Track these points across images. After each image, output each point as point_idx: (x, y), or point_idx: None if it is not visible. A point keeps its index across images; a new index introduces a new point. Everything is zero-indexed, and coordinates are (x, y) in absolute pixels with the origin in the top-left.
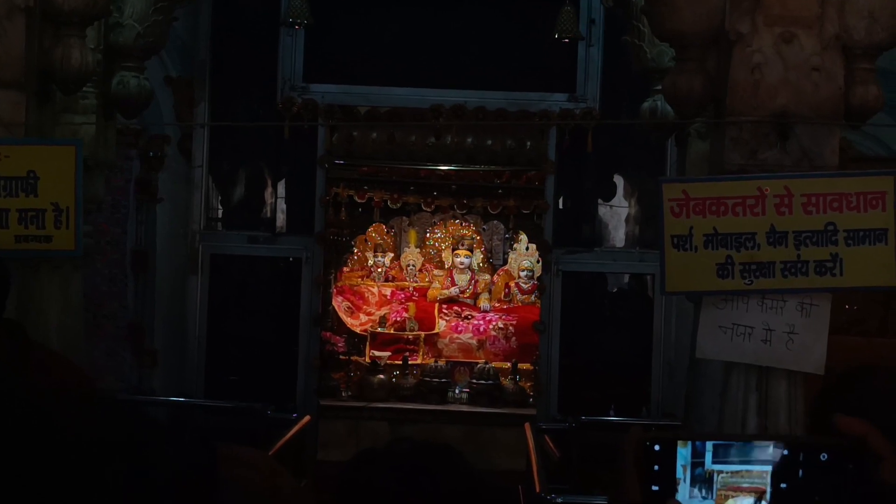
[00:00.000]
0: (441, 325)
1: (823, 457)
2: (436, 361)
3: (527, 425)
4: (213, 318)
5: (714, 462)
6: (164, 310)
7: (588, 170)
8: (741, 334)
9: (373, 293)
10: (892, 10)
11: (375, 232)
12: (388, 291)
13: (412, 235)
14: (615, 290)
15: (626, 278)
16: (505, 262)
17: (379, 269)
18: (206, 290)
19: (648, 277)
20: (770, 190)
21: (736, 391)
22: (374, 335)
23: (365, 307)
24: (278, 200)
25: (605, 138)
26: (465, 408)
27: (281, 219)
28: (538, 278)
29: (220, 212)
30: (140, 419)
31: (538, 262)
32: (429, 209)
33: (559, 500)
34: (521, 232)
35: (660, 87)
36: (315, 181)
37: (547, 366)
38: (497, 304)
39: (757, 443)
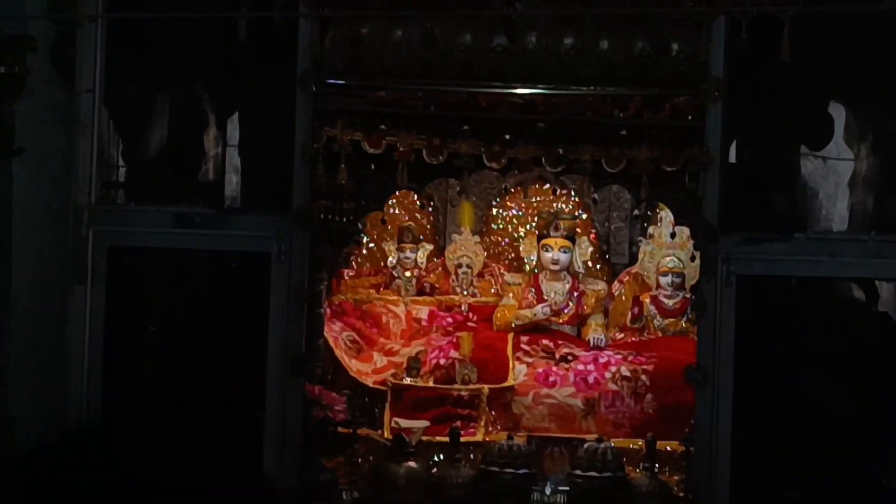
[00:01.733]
0: (519, 372)
1: None
2: (510, 437)
3: None
4: (113, 360)
5: None
6: (25, 345)
7: (782, 94)
8: None
9: (396, 316)
10: None
11: (401, 206)
12: (423, 313)
13: (466, 212)
14: (833, 307)
15: (853, 287)
16: (633, 259)
17: (407, 274)
18: (102, 311)
19: (893, 286)
20: None
21: None
22: (398, 391)
23: (382, 341)
24: (228, 151)
25: (812, 38)
26: None
27: (233, 184)
28: (693, 288)
29: (123, 172)
30: None
31: (693, 259)
32: (496, 165)
33: None
34: (661, 206)
35: None
36: (293, 116)
37: (710, 445)
38: (620, 336)
39: None
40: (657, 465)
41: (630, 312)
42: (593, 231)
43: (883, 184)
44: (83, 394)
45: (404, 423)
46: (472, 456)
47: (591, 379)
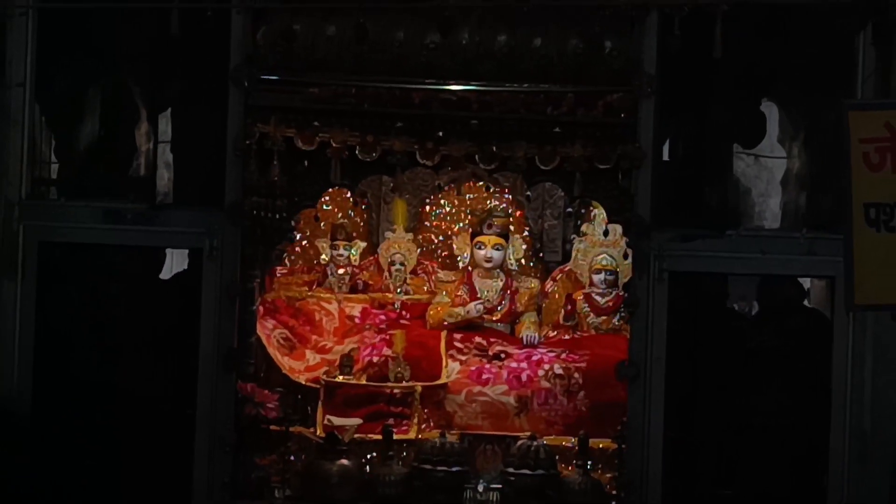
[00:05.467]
0: (452, 370)
1: None
2: (443, 435)
3: None
4: (43, 357)
5: None
6: None
7: (715, 91)
8: None
9: (329, 314)
10: None
11: (334, 204)
12: (356, 310)
13: (399, 209)
14: (765, 304)
15: (786, 285)
16: (567, 257)
17: (340, 271)
18: (32, 307)
19: (824, 283)
20: None
21: None
22: (331, 389)
23: (315, 338)
24: (160, 148)
25: (745, 33)
26: None
27: (164, 180)
28: (625, 286)
29: (54, 168)
30: None
31: (626, 256)
32: (429, 162)
33: None
34: (595, 203)
35: None
36: (226, 112)
37: (643, 443)
38: (553, 334)
39: None
40: (590, 463)
41: (563, 310)
42: (527, 228)
43: (815, 181)
44: (14, 389)
45: (337, 420)
46: (404, 454)
47: (524, 377)
